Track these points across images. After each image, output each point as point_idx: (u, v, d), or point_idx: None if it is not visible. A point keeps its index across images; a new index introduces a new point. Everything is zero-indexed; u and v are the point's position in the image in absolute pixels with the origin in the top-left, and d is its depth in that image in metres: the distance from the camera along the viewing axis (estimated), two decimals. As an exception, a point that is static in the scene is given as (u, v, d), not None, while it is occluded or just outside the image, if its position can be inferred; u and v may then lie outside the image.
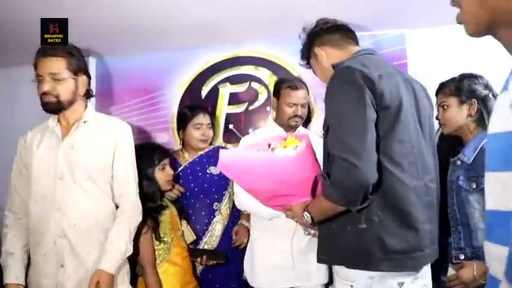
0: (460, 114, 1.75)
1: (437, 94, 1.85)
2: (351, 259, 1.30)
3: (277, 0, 2.02)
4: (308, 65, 1.62)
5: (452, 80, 1.82)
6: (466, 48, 2.31)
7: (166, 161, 2.08)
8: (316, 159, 1.47)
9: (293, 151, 1.40)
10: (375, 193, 1.24)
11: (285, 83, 2.17)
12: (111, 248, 1.70)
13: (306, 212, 1.39)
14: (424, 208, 1.30)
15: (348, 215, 1.28)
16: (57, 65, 1.70)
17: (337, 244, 1.33)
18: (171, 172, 2.10)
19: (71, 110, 1.78)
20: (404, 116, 1.28)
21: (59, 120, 1.80)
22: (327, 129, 1.31)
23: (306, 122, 2.39)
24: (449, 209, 1.75)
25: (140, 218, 1.82)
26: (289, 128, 2.15)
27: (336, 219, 1.32)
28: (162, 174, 2.04)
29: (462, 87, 1.75)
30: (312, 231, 1.63)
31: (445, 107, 1.80)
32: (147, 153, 2.04)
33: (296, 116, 2.11)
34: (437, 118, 1.86)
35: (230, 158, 1.50)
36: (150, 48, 2.70)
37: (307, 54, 1.59)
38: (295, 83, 2.16)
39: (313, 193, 1.45)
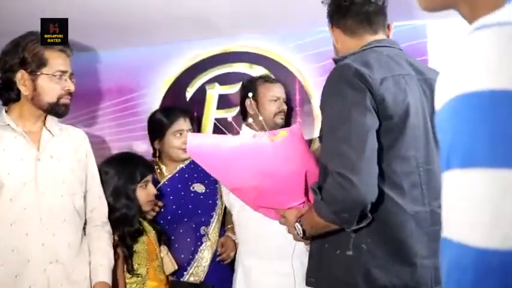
0: None
1: None
2: (334, 286, 1.24)
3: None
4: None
5: None
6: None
7: (149, 177, 1.91)
8: (310, 152, 1.42)
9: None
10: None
11: (259, 79, 2.18)
12: (105, 260, 1.69)
13: (297, 223, 1.30)
14: (429, 239, 1.18)
15: (340, 236, 1.21)
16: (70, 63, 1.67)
17: (326, 268, 1.27)
18: (154, 191, 1.93)
19: None
20: (412, 128, 1.18)
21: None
22: (321, 137, 1.25)
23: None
24: None
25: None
26: (275, 127, 2.04)
27: (329, 237, 1.25)
28: (144, 193, 1.87)
29: None
30: (306, 245, 1.52)
31: None
32: (129, 166, 1.89)
33: (281, 111, 2.09)
34: None
35: (200, 142, 1.43)
36: (126, 42, 2.52)
37: (330, 23, 1.46)
38: (270, 77, 2.22)
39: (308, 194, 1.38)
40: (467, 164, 0.45)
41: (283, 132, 1.40)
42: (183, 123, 2.11)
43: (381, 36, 1.35)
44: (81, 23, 2.12)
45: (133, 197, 1.84)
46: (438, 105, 0.50)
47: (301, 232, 1.29)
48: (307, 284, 1.31)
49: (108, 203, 1.79)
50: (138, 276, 1.80)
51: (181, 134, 2.09)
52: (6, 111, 1.64)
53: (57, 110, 1.64)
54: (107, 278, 1.66)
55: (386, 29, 1.38)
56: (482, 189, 0.44)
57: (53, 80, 1.60)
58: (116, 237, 1.78)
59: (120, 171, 1.85)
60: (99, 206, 1.77)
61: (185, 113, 2.19)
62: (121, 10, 2.08)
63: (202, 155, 1.42)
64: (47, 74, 1.59)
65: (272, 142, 1.31)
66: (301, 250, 1.64)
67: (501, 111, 0.44)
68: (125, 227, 1.79)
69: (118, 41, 2.50)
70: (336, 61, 1.32)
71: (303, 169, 1.32)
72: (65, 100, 1.63)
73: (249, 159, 1.32)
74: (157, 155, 2.18)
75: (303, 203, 1.37)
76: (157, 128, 2.14)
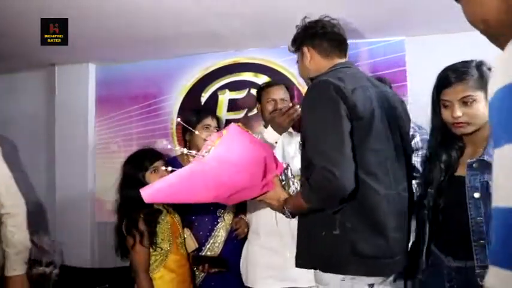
0: (486, 109, 1.36)
1: (446, 87, 1.41)
2: (325, 263, 1.36)
3: (276, 10, 2.03)
4: (296, 53, 1.62)
5: (468, 67, 1.41)
6: (464, 55, 2.31)
7: (158, 163, 2.03)
8: (254, 141, 1.52)
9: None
10: (350, 200, 1.29)
11: (263, 86, 2.30)
12: None
13: (286, 209, 1.45)
14: (396, 216, 1.35)
15: (323, 221, 1.35)
16: None
17: (313, 249, 1.38)
18: (165, 174, 2.01)
19: None
20: (377, 127, 1.34)
21: None
22: (304, 140, 1.38)
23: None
24: (471, 221, 1.34)
25: (21, 212, 1.77)
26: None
27: (312, 224, 1.38)
28: (156, 176, 1.99)
29: (483, 78, 1.38)
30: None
31: (470, 102, 1.38)
32: (137, 159, 2.04)
33: (275, 110, 2.14)
34: (440, 118, 1.45)
35: (152, 191, 1.46)
36: (150, 55, 2.71)
37: (297, 46, 1.58)
38: (271, 82, 2.32)
39: (265, 173, 1.47)
40: None
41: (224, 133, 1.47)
42: (210, 120, 2.25)
43: (344, 60, 1.54)
44: (114, 38, 2.33)
45: (144, 182, 1.93)
46: (491, 92, 0.50)
47: (290, 214, 1.46)
48: (296, 266, 1.42)
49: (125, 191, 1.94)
50: (162, 250, 1.94)
51: (208, 128, 2.22)
52: None
53: None
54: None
55: (347, 54, 1.57)
56: None
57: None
58: (142, 216, 1.91)
59: (131, 164, 2.00)
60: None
61: (213, 112, 2.33)
62: (146, 29, 2.24)
63: (163, 197, 1.50)
64: None
65: (205, 159, 1.37)
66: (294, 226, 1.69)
67: None
68: (143, 208, 1.86)
69: (144, 54, 2.67)
70: (312, 79, 1.46)
71: (249, 167, 1.41)
72: None
73: (198, 186, 1.39)
74: (187, 145, 2.27)
75: (264, 188, 1.49)
76: (189, 122, 2.21)
